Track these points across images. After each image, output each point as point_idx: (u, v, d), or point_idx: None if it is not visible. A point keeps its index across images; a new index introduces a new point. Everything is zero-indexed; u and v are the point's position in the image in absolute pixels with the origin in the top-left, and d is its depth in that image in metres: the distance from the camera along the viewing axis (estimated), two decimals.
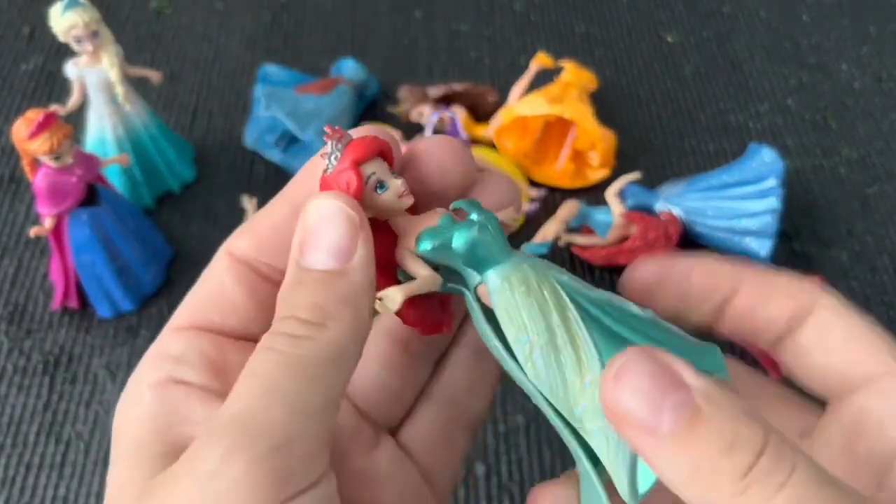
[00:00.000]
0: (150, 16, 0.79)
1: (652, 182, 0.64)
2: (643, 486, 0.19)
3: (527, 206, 0.64)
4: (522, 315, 0.20)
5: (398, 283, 0.22)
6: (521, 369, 0.20)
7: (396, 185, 0.21)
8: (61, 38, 0.55)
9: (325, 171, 0.21)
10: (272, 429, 0.18)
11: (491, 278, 0.21)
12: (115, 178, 0.61)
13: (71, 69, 0.57)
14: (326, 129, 0.21)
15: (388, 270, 0.22)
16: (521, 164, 0.66)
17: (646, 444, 0.17)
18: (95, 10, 0.55)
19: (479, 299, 0.22)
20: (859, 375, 0.22)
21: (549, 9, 0.82)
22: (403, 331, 0.25)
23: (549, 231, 0.61)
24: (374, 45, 0.77)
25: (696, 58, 0.78)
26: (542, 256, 0.22)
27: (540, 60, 0.68)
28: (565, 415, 0.20)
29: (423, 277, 0.21)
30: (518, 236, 0.61)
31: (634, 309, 0.21)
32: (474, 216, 0.21)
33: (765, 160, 0.61)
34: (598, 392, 0.19)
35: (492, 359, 0.26)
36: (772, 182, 0.60)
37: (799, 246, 0.63)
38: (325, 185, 0.21)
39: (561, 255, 0.62)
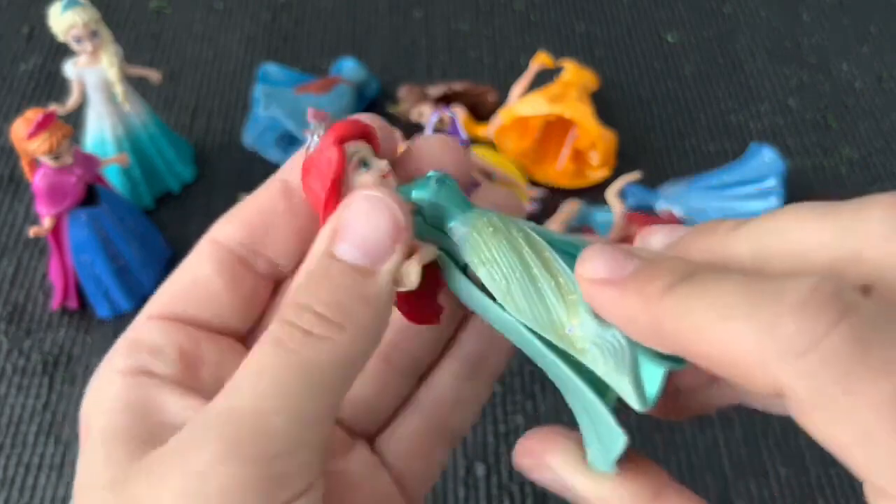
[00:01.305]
0: (150, 15, 0.79)
1: (652, 182, 0.64)
2: (650, 390, 0.18)
3: (527, 207, 0.64)
4: (493, 253, 0.20)
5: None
6: (503, 309, 0.20)
7: (380, 165, 0.20)
8: (60, 37, 0.55)
9: (308, 149, 0.20)
10: (270, 437, 0.17)
11: (456, 228, 0.21)
12: (114, 178, 0.60)
13: (70, 69, 0.57)
14: (310, 111, 0.20)
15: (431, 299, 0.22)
16: (522, 163, 0.66)
17: (613, 294, 0.17)
18: (95, 10, 0.55)
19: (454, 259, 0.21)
20: None
21: (549, 8, 0.82)
22: (384, 343, 0.24)
23: None
24: (374, 44, 0.77)
25: (696, 57, 0.78)
26: None
27: (540, 60, 0.68)
28: (555, 341, 0.19)
29: (424, 248, 0.21)
30: None
31: None
32: (431, 174, 0.21)
33: (765, 160, 0.61)
34: (582, 307, 0.18)
35: (482, 377, 0.25)
36: (772, 182, 0.60)
37: None
38: (307, 164, 0.20)
39: None
